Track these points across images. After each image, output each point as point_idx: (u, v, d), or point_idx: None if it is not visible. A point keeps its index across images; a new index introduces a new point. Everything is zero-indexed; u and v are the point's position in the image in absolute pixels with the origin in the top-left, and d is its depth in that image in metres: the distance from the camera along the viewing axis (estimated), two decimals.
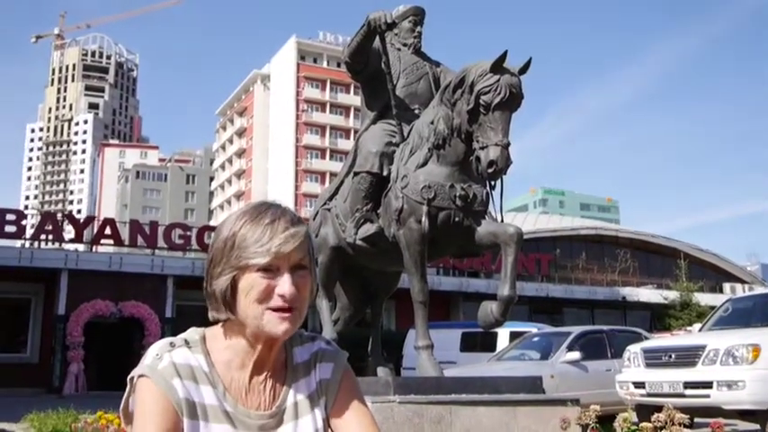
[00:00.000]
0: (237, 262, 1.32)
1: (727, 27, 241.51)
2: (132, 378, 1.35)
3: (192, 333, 1.42)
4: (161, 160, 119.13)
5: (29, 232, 24.37)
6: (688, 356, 8.29)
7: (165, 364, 1.34)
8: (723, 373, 7.79)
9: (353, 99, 74.27)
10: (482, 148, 4.77)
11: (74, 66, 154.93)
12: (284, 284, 1.32)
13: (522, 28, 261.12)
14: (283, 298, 1.32)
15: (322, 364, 1.48)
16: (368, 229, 5.52)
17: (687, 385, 8.00)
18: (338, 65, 73.99)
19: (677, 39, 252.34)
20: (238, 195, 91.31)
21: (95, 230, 25.34)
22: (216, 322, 1.42)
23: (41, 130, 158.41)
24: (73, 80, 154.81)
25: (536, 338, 12.65)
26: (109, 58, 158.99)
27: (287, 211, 1.39)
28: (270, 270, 1.32)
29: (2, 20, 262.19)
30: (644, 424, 5.02)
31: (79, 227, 25.41)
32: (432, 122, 5.19)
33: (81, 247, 27.10)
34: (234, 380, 1.39)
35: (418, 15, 6.02)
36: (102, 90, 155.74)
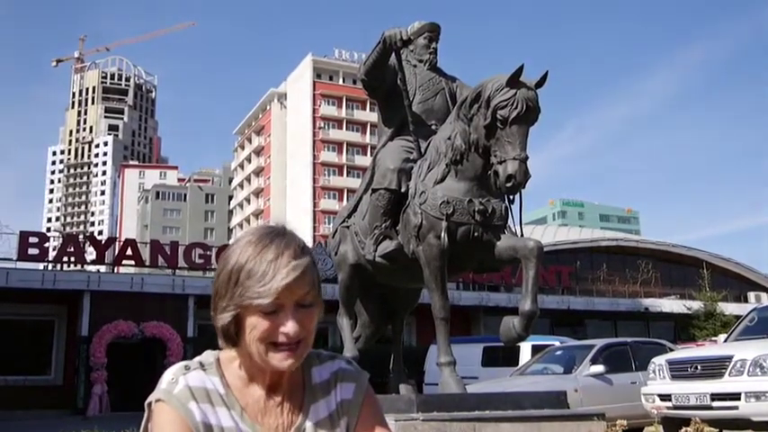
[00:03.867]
0: (241, 300, 1.31)
1: (752, 35, 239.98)
2: (149, 403, 1.35)
3: (207, 355, 1.43)
4: (180, 180, 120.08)
5: (51, 255, 24.60)
6: (714, 368, 8.18)
7: (180, 387, 1.34)
8: (751, 384, 7.68)
9: (370, 116, 74.50)
10: (500, 163, 4.76)
11: (93, 88, 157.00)
12: (288, 324, 1.31)
13: (541, 41, 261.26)
14: (287, 336, 1.31)
15: (343, 384, 1.47)
16: (387, 245, 5.51)
17: (714, 397, 7.89)
18: (354, 82, 74.32)
19: (697, 50, 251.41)
20: (257, 214, 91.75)
21: (117, 251, 25.53)
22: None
23: (63, 152, 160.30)
24: (93, 102, 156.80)
25: (559, 352, 12.54)
26: (128, 80, 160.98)
27: (291, 242, 1.35)
28: (273, 311, 1.31)
29: (23, 45, 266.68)
30: None
31: (101, 248, 25.62)
32: (449, 138, 5.19)
33: (103, 268, 27.31)
34: (250, 401, 1.38)
35: (434, 32, 6.03)
36: (122, 112, 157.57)
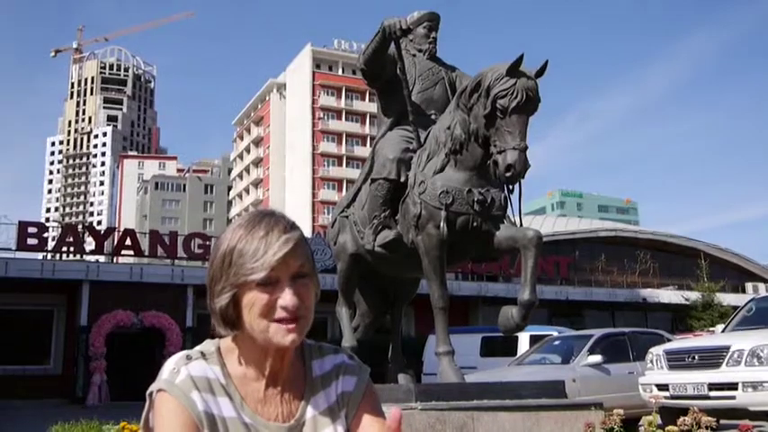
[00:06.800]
0: (236, 279, 1.31)
1: (756, 25, 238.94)
2: (151, 393, 1.34)
3: (208, 345, 1.42)
4: (179, 171, 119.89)
5: (50, 245, 24.60)
6: (712, 358, 8.20)
7: (182, 377, 1.33)
8: (748, 373, 7.70)
9: (369, 106, 74.37)
10: (499, 153, 4.75)
11: (92, 79, 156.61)
12: (286, 296, 1.30)
13: (541, 31, 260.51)
14: (286, 310, 1.30)
15: (345, 377, 1.47)
16: (386, 235, 5.51)
17: (712, 387, 7.92)
18: (353, 72, 74.17)
19: (700, 40, 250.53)
20: (256, 204, 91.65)
21: (116, 242, 25.52)
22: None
23: (61, 143, 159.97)
24: (92, 93, 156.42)
25: (557, 342, 12.55)
26: (127, 70, 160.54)
27: (281, 220, 1.36)
28: (269, 283, 1.31)
29: (22, 35, 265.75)
30: (670, 428, 4.97)
31: (100, 238, 25.62)
32: (448, 127, 5.18)
33: (102, 258, 27.31)
34: (250, 391, 1.38)
35: (433, 21, 6.02)
36: (121, 102, 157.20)
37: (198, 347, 1.42)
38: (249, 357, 1.39)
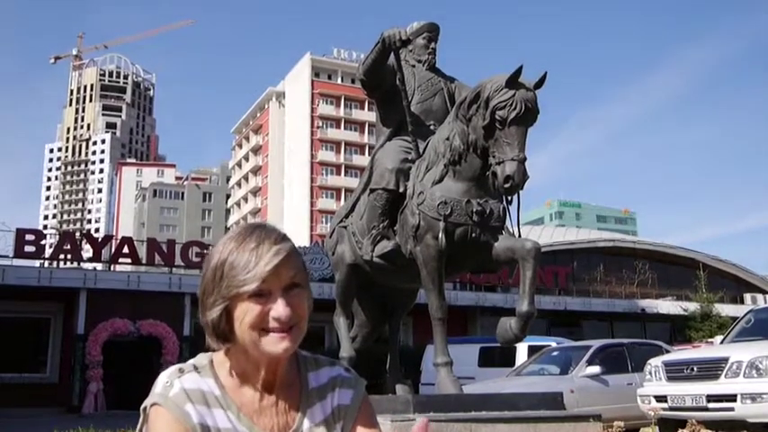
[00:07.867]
0: (228, 292, 1.31)
1: (758, 34, 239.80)
2: (145, 408, 1.34)
3: (201, 358, 1.42)
4: (178, 178, 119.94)
5: (48, 252, 24.54)
6: (710, 369, 8.19)
7: (176, 390, 1.33)
8: (747, 385, 7.69)
9: (368, 115, 74.47)
10: (498, 164, 4.75)
11: (91, 86, 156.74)
12: (278, 308, 1.31)
13: (541, 40, 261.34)
14: (279, 321, 1.31)
15: (341, 389, 1.47)
16: (384, 246, 5.51)
17: (710, 398, 7.90)
18: (353, 81, 74.29)
19: (700, 50, 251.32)
20: (254, 212, 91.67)
21: (113, 249, 25.47)
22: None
23: (60, 149, 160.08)
24: (91, 100, 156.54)
25: (555, 353, 12.54)
26: (126, 77, 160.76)
27: (272, 232, 1.37)
28: (262, 295, 1.31)
29: (22, 42, 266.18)
30: None
31: (97, 246, 25.57)
32: (447, 138, 5.18)
33: (99, 266, 27.26)
34: (245, 402, 1.38)
35: (432, 32, 6.03)
36: (120, 110, 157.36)
37: (191, 361, 1.42)
38: (242, 370, 1.39)
